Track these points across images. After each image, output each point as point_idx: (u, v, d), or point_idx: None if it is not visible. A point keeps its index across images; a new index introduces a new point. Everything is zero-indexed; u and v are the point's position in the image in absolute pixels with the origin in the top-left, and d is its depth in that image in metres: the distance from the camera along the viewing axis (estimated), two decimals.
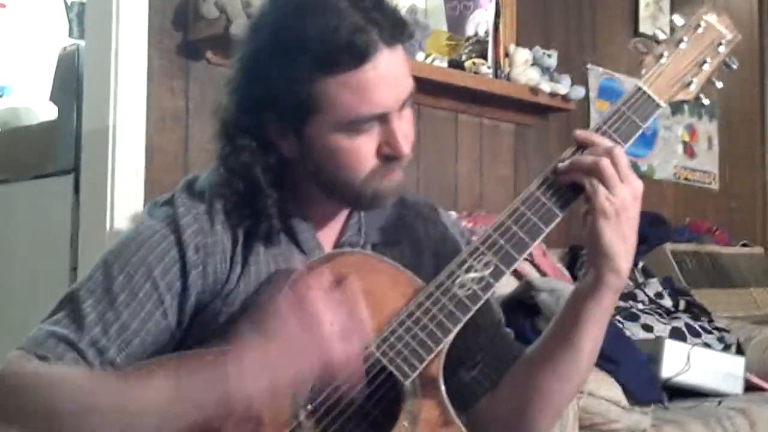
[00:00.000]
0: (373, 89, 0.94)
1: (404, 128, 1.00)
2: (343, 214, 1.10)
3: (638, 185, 0.99)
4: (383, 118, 0.97)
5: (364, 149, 0.98)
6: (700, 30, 1.10)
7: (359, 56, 0.93)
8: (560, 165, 1.02)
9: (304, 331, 0.85)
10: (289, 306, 0.87)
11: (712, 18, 1.11)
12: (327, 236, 1.09)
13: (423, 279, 1.03)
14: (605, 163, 0.97)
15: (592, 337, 1.03)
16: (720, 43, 1.10)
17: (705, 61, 1.09)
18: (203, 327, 1.01)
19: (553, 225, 1.01)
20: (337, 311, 0.86)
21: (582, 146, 1.02)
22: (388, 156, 0.99)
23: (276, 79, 0.96)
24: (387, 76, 0.95)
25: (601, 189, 0.97)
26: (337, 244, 1.09)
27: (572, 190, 1.02)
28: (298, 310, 0.86)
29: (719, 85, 1.12)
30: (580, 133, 1.03)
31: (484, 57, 2.57)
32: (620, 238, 0.98)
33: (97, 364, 0.94)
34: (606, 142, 1.01)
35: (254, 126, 1.00)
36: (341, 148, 0.97)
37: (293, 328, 0.85)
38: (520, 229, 1.00)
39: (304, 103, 0.95)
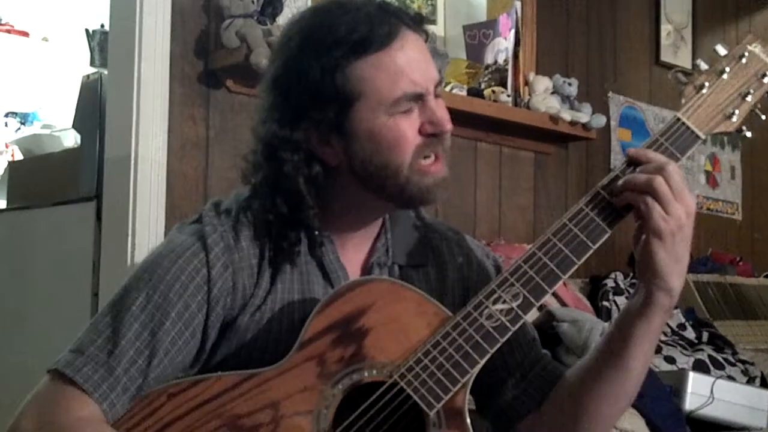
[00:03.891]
0: (405, 69, 1.00)
1: (442, 108, 1.03)
2: (371, 234, 1.11)
3: (692, 202, 0.97)
4: (420, 99, 1.02)
5: (406, 129, 1.01)
6: (743, 60, 1.06)
7: (386, 36, 0.99)
8: (602, 191, 1.00)
9: None
10: None
11: (756, 48, 1.07)
12: (353, 257, 1.09)
13: (448, 302, 1.05)
14: (659, 181, 0.96)
15: (641, 357, 1.02)
16: (765, 74, 1.06)
17: (748, 93, 1.06)
18: (230, 342, 1.02)
19: (585, 257, 1.00)
20: None
21: (633, 164, 1.01)
22: (431, 133, 1.02)
23: (314, 77, 0.99)
24: (415, 58, 1.01)
25: (657, 208, 0.95)
26: (366, 264, 1.10)
27: (607, 223, 1.00)
28: None
29: (763, 117, 1.08)
30: (632, 150, 1.01)
31: (504, 85, 2.57)
32: (673, 258, 0.97)
33: (133, 389, 0.95)
34: (659, 158, 0.99)
35: (295, 138, 1.01)
36: (385, 130, 1.00)
37: None
38: (550, 260, 0.99)
39: (345, 94, 0.99)
